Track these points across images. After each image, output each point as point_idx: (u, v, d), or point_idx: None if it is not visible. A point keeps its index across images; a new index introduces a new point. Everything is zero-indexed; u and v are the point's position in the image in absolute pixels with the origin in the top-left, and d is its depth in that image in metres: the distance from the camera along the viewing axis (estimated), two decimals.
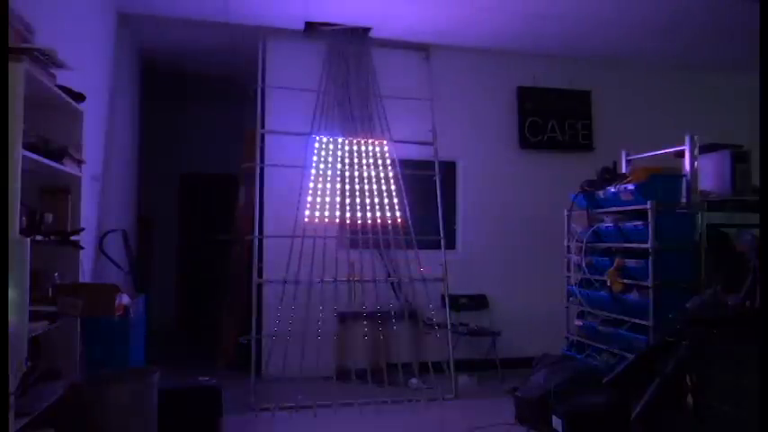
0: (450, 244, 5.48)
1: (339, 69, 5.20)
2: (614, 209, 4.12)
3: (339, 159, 5.03)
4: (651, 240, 3.66)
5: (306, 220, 4.84)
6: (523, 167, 5.73)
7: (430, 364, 4.76)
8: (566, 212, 4.58)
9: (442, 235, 5.10)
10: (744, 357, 2.67)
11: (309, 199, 4.90)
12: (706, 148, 4.07)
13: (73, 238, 2.74)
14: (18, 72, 2.04)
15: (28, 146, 2.17)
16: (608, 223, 4.16)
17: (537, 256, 5.47)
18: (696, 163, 3.89)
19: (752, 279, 3.03)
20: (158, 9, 4.78)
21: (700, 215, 3.76)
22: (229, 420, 3.71)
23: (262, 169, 5.01)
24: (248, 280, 4.86)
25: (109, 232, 4.35)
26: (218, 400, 3.49)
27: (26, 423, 2.11)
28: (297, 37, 5.21)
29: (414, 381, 4.81)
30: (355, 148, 5.06)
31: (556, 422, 3.30)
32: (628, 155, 4.58)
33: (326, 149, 5.03)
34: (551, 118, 5.82)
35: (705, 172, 4.06)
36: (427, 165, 5.24)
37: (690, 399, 2.90)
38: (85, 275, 3.35)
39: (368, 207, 4.98)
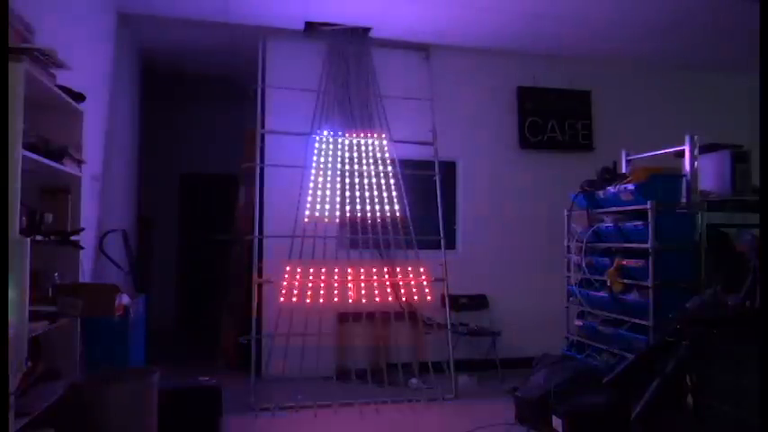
0: (451, 244, 5.48)
1: (339, 69, 5.20)
2: (614, 209, 4.12)
3: (339, 157, 5.02)
4: (651, 240, 3.66)
5: (306, 219, 4.85)
6: (523, 167, 5.73)
7: (430, 364, 4.76)
8: (566, 212, 4.58)
9: (442, 235, 5.10)
10: (744, 357, 2.66)
11: (309, 198, 4.91)
12: (706, 148, 4.07)
13: (73, 238, 2.74)
14: (18, 72, 2.04)
15: (28, 146, 2.17)
16: (608, 223, 4.16)
17: (537, 256, 5.47)
18: (696, 163, 3.90)
19: (752, 279, 3.02)
20: (158, 9, 4.78)
21: (700, 215, 3.76)
22: (229, 420, 3.71)
23: (262, 169, 5.01)
24: (248, 280, 4.86)
25: (109, 232, 4.35)
26: (218, 400, 3.49)
27: (26, 423, 2.11)
28: (297, 37, 5.21)
29: (414, 381, 4.81)
30: (355, 143, 5.07)
31: (556, 422, 3.30)
32: (628, 155, 4.58)
33: (327, 146, 5.03)
34: (551, 118, 5.82)
35: (705, 172, 4.06)
36: (427, 165, 5.24)
37: (690, 399, 2.90)
38: (85, 275, 3.35)
39: (368, 205, 4.98)
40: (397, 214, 5.00)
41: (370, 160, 5.09)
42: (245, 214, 5.55)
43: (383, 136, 5.15)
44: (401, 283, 5.02)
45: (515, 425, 3.72)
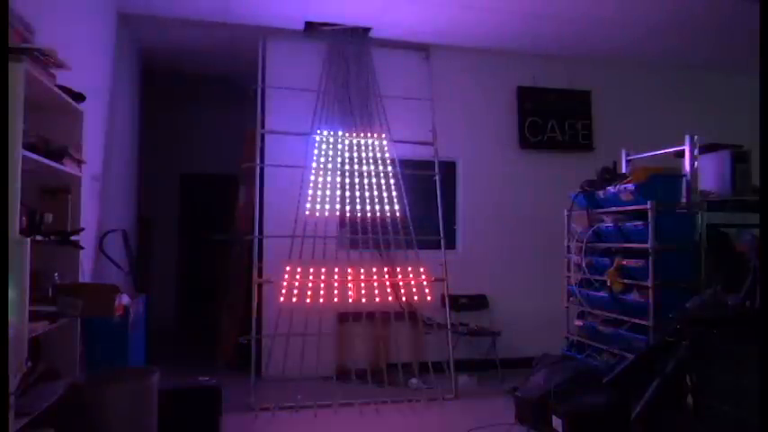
0: (451, 244, 5.48)
1: (339, 69, 5.20)
2: (614, 209, 4.12)
3: (339, 157, 5.03)
4: (651, 240, 3.66)
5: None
6: (523, 167, 5.74)
7: (430, 364, 4.76)
8: (566, 212, 4.58)
9: (441, 235, 5.11)
10: (744, 357, 2.66)
11: (310, 196, 4.90)
12: (706, 148, 4.07)
13: (73, 238, 2.74)
14: (18, 72, 2.04)
15: (28, 146, 2.17)
16: (608, 223, 4.16)
17: (537, 256, 5.47)
18: (696, 163, 3.90)
19: (752, 279, 3.02)
20: (158, 9, 4.78)
21: (700, 215, 3.76)
22: (229, 420, 3.71)
23: (262, 169, 5.02)
24: (248, 280, 4.86)
25: (109, 232, 4.35)
26: (218, 400, 3.49)
27: (26, 423, 2.10)
28: (297, 37, 5.21)
29: (414, 381, 4.81)
30: (355, 143, 5.07)
31: (556, 422, 3.30)
32: (628, 155, 4.58)
33: (327, 144, 5.03)
34: (551, 118, 5.82)
35: (705, 172, 4.06)
36: (427, 165, 5.24)
37: (690, 399, 2.90)
38: (85, 275, 3.35)
39: (368, 204, 4.98)
40: (397, 214, 5.01)
41: (370, 160, 5.09)
42: (245, 214, 5.55)
43: (383, 136, 5.15)
44: (401, 283, 5.02)
45: (515, 425, 3.72)
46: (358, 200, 4.98)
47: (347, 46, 5.22)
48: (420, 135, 5.29)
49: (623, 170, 4.49)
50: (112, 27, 4.70)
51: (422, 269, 5.00)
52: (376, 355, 4.93)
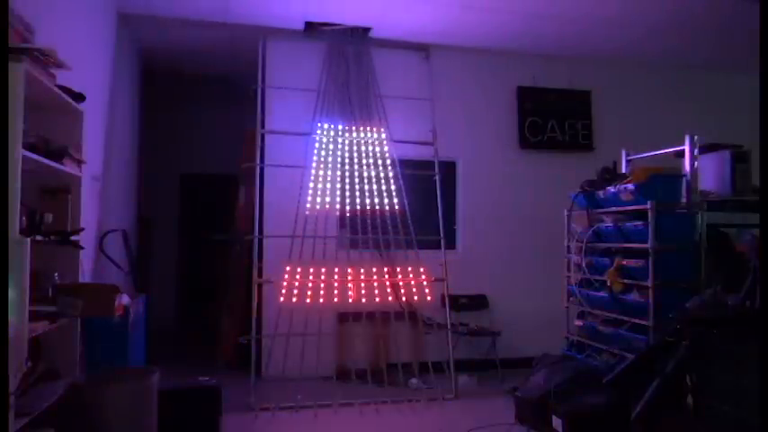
0: (451, 244, 5.48)
1: (339, 69, 5.20)
2: (614, 209, 4.12)
3: (339, 156, 5.02)
4: (651, 240, 3.66)
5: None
6: (523, 167, 5.74)
7: (430, 364, 4.76)
8: (566, 212, 4.58)
9: (441, 235, 5.10)
10: (744, 357, 2.66)
11: (310, 192, 4.90)
12: (706, 148, 4.07)
13: (73, 238, 2.74)
14: (18, 72, 2.04)
15: (28, 146, 2.16)
16: (608, 223, 4.16)
17: (537, 256, 5.47)
18: (696, 163, 3.90)
19: (752, 279, 3.02)
20: (158, 9, 4.78)
21: (700, 215, 3.76)
22: (229, 420, 3.71)
23: (262, 169, 5.02)
24: (248, 280, 4.86)
25: (109, 232, 4.35)
26: (218, 399, 3.49)
27: (26, 423, 2.10)
28: (297, 37, 5.21)
29: (414, 381, 4.81)
30: (355, 142, 5.07)
31: (556, 422, 3.30)
32: (628, 155, 4.58)
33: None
34: (551, 118, 5.82)
35: (705, 172, 4.06)
36: (427, 164, 5.24)
37: (690, 399, 2.90)
38: (85, 275, 3.35)
39: (368, 205, 4.98)
40: (396, 207, 5.00)
41: (370, 160, 5.09)
42: (245, 214, 5.55)
43: (383, 136, 5.15)
44: (401, 282, 5.02)
45: (515, 425, 3.71)
46: (358, 199, 4.98)
47: (347, 46, 5.22)
48: (420, 135, 5.29)
49: (623, 170, 4.49)
50: (112, 27, 4.70)
51: (422, 269, 5.00)
52: (376, 355, 4.93)
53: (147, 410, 2.82)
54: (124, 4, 4.72)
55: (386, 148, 5.14)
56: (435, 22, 5.00)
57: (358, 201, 4.97)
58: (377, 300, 4.93)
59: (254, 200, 5.19)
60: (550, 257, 4.97)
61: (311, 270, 4.80)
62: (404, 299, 5.04)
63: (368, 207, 4.97)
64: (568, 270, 4.56)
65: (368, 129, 5.13)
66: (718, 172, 4.08)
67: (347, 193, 4.98)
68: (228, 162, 6.08)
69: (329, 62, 5.19)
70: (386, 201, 5.00)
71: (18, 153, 2.02)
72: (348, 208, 4.97)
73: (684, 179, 3.89)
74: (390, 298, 4.97)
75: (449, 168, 5.59)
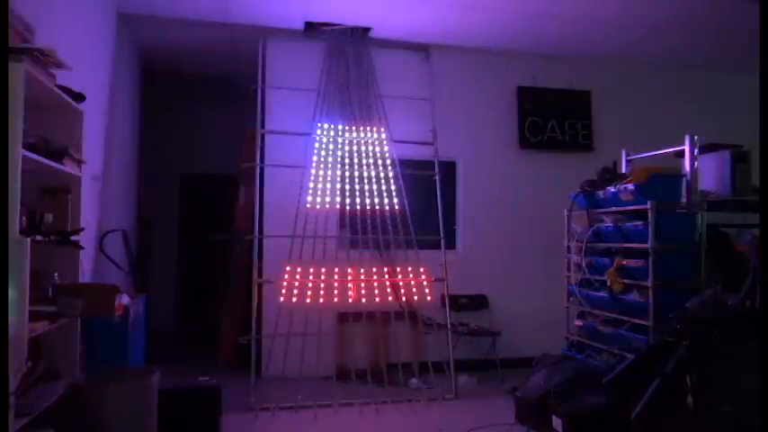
0: (451, 244, 5.48)
1: (339, 69, 5.20)
2: (614, 209, 4.12)
3: (339, 155, 5.02)
4: (651, 240, 3.66)
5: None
6: (523, 167, 5.73)
7: (430, 364, 4.76)
8: (566, 212, 4.58)
9: (441, 235, 5.10)
10: (744, 357, 2.66)
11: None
12: (706, 148, 4.07)
13: (73, 238, 2.74)
14: (18, 72, 2.04)
15: (28, 146, 2.16)
16: (608, 223, 4.16)
17: (537, 256, 5.47)
18: (696, 163, 3.90)
19: (752, 279, 3.02)
20: (158, 9, 4.78)
21: (700, 215, 3.76)
22: (229, 420, 3.71)
23: (262, 169, 5.02)
24: (248, 280, 4.86)
25: (109, 232, 4.35)
26: (218, 399, 3.49)
27: (26, 423, 2.10)
28: (297, 37, 5.21)
29: (414, 381, 4.81)
30: (355, 142, 5.06)
31: (556, 422, 3.30)
32: (628, 155, 4.58)
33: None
34: (551, 118, 5.82)
35: (705, 172, 4.06)
36: (427, 164, 5.24)
37: (690, 399, 2.90)
38: (85, 275, 3.35)
39: (368, 205, 4.98)
40: (397, 214, 5.00)
41: (370, 160, 5.09)
42: (245, 214, 5.55)
43: (383, 136, 5.15)
44: (401, 282, 5.02)
45: (515, 425, 3.72)
46: (358, 199, 4.98)
47: (347, 46, 5.22)
48: (420, 135, 5.29)
49: (623, 170, 4.49)
50: (112, 27, 4.70)
51: (422, 269, 5.00)
52: (376, 355, 4.93)
53: (147, 410, 2.82)
54: (124, 4, 4.72)
55: (386, 148, 5.14)
56: (435, 22, 5.00)
57: (358, 201, 4.97)
58: (377, 300, 4.93)
59: (254, 200, 5.19)
60: (550, 257, 4.97)
61: (311, 270, 4.79)
62: (404, 299, 5.04)
63: (368, 207, 4.97)
64: (568, 270, 4.56)
65: (368, 129, 5.13)
66: (718, 172, 4.08)
67: (347, 193, 4.98)
68: (228, 162, 6.08)
69: (329, 62, 5.19)
70: (386, 201, 5.01)
71: (18, 153, 2.02)
72: (348, 208, 4.97)
73: (684, 179, 3.89)
74: (390, 298, 4.97)
75: (449, 168, 5.59)
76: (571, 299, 4.54)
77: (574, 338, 4.48)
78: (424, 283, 5.02)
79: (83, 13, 3.85)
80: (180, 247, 7.45)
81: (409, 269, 5.01)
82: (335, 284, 4.84)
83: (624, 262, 3.93)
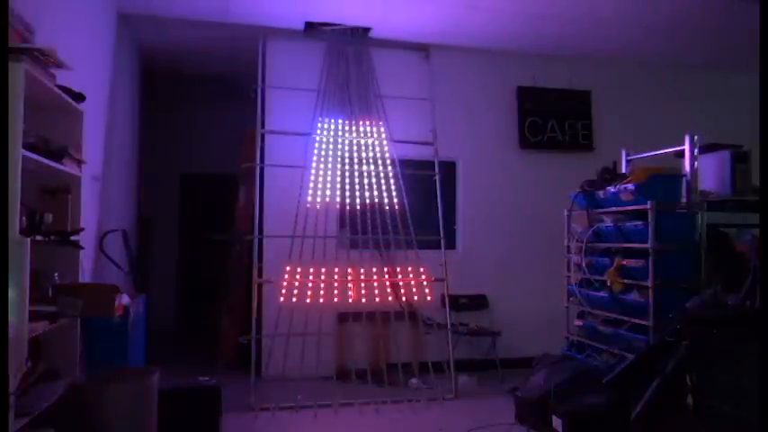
0: (451, 244, 5.48)
1: (339, 69, 5.20)
2: (614, 209, 4.12)
3: (339, 155, 5.02)
4: (651, 240, 3.66)
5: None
6: (523, 167, 5.74)
7: (430, 364, 4.76)
8: (566, 212, 4.58)
9: (441, 235, 5.10)
10: (744, 357, 2.66)
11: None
12: (706, 148, 4.07)
13: (73, 238, 2.74)
14: (18, 72, 2.04)
15: (28, 146, 2.16)
16: (608, 223, 4.16)
17: (537, 256, 5.47)
18: (696, 163, 3.90)
19: (752, 279, 3.02)
20: (158, 9, 4.78)
21: (700, 215, 3.76)
22: (229, 420, 3.71)
23: (262, 169, 5.02)
24: (248, 280, 4.86)
25: (109, 232, 4.35)
26: (218, 399, 3.49)
27: (26, 423, 2.10)
28: (297, 37, 5.21)
29: (414, 381, 4.81)
30: (355, 142, 5.07)
31: (556, 422, 3.30)
32: (628, 155, 4.58)
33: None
34: (551, 118, 5.82)
35: (705, 172, 4.07)
36: (427, 164, 5.24)
37: (690, 399, 2.90)
38: (85, 275, 3.35)
39: (367, 201, 4.98)
40: (397, 214, 5.01)
41: (370, 160, 5.09)
42: (245, 214, 5.55)
43: (383, 135, 5.15)
44: (401, 283, 5.02)
45: (515, 425, 3.71)
46: (358, 199, 4.98)
47: (347, 46, 5.22)
48: (420, 135, 5.29)
49: (623, 170, 4.49)
50: (112, 27, 4.70)
51: (422, 269, 5.00)
52: (376, 355, 4.93)
53: (147, 410, 2.82)
54: (124, 4, 4.72)
55: (386, 148, 5.14)
56: (435, 22, 5.00)
57: (358, 201, 4.98)
58: (377, 300, 4.93)
59: (254, 200, 5.19)
60: (550, 257, 4.97)
61: (311, 270, 4.80)
62: (404, 299, 5.04)
63: (368, 207, 4.97)
64: (568, 270, 4.56)
65: (368, 129, 5.13)
66: (718, 172, 4.08)
67: (347, 193, 4.98)
68: (228, 162, 6.08)
69: (329, 62, 5.19)
70: (386, 201, 5.01)
71: (18, 153, 2.03)
72: (348, 208, 4.97)
73: (684, 179, 3.89)
74: (390, 298, 4.97)
75: (449, 168, 5.59)
76: (571, 299, 4.54)
77: (574, 338, 4.48)
78: (424, 283, 5.02)
79: (82, 13, 3.85)
80: (180, 247, 7.45)
81: (409, 269, 5.01)
82: (335, 284, 4.84)
83: (624, 262, 3.93)
